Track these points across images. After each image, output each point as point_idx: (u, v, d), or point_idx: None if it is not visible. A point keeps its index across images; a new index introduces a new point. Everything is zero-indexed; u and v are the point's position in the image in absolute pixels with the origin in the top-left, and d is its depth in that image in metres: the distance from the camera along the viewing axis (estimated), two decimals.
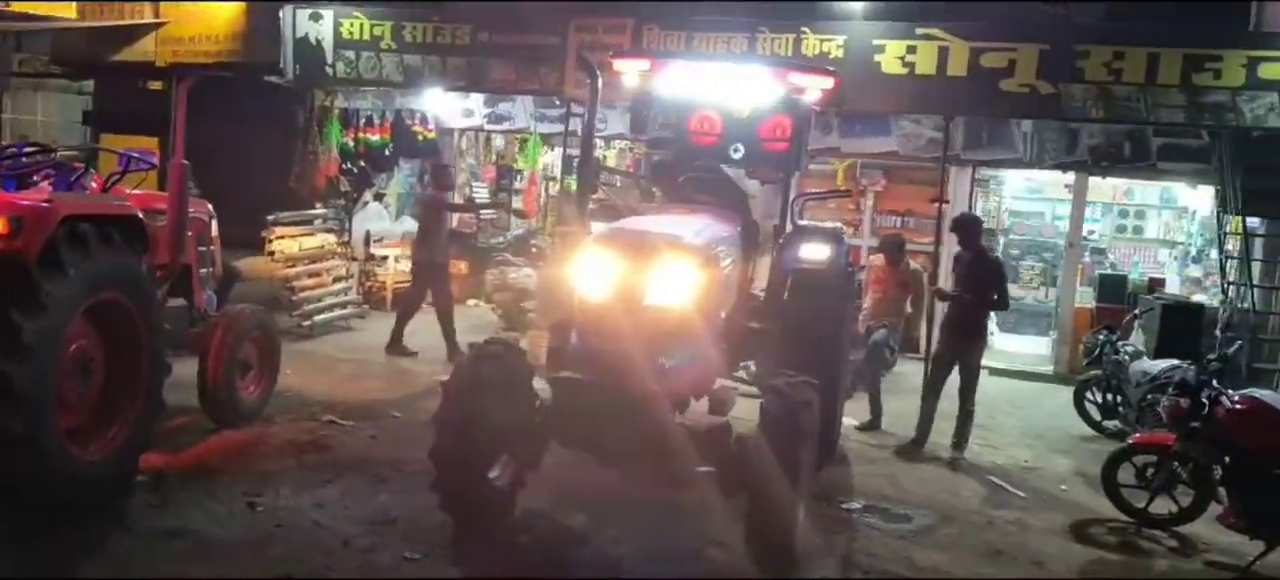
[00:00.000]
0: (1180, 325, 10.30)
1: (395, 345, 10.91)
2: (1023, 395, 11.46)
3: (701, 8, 11.26)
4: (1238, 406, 6.39)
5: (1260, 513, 6.25)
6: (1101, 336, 9.79)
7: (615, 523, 6.23)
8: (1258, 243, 11.40)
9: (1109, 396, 9.59)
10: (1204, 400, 6.53)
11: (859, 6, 10.73)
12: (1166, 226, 16.68)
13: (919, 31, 10.39)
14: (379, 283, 13.83)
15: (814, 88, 7.30)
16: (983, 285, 8.46)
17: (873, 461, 8.23)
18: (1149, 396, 8.49)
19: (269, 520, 5.94)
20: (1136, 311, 10.55)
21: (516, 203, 17.29)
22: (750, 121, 7.70)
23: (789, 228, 7.45)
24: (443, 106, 14.72)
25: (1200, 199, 15.43)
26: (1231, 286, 10.98)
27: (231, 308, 8.00)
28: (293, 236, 12.08)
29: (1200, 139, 12.02)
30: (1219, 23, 9.93)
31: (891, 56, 10.49)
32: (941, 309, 8.94)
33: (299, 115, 13.90)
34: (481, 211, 15.29)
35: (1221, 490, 6.70)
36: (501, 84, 12.28)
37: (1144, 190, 15.95)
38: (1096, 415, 9.77)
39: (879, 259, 10.21)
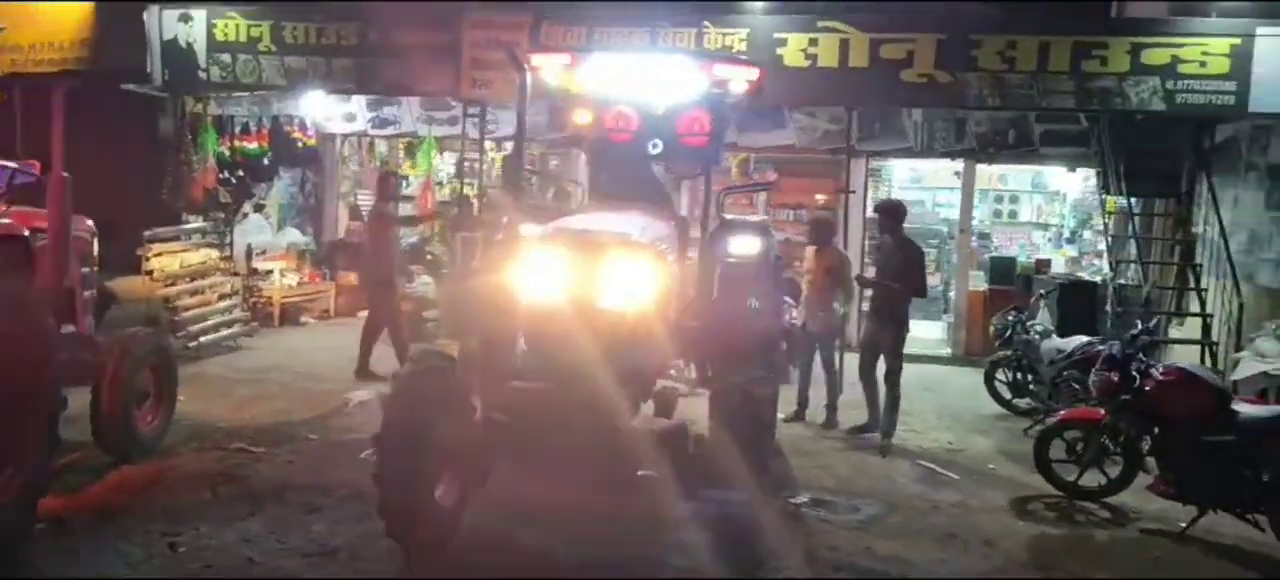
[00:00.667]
0: (1078, 303, 10.70)
1: (363, 372, 10.23)
2: (930, 378, 11.70)
3: (599, 5, 11.06)
4: (1165, 378, 6.61)
5: (1191, 480, 6.47)
6: (1011, 317, 10.07)
7: (570, 535, 5.95)
8: (1137, 221, 12.01)
9: (1019, 375, 9.87)
10: (1134, 373, 6.72)
11: (760, 4, 10.73)
12: (1039, 210, 17.40)
13: (820, 24, 10.47)
14: (265, 298, 13.08)
15: (739, 79, 7.19)
16: (905, 272, 8.55)
17: (807, 453, 8.19)
18: (1064, 373, 8.75)
19: (194, 561, 5.43)
20: (1042, 291, 10.89)
21: (408, 209, 16.71)
22: (667, 116, 7.54)
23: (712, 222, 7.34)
24: (323, 111, 14.06)
25: (1071, 183, 16.19)
26: (1120, 264, 11.47)
27: (125, 332, 7.35)
28: (172, 253, 11.27)
29: (1079, 125, 12.58)
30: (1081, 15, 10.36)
31: (794, 49, 10.54)
32: (865, 296, 9.01)
33: (160, 123, 13.03)
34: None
35: (1149, 461, 6.92)
36: (392, 86, 11.80)
37: (1016, 176, 16.59)
38: (1007, 394, 10.04)
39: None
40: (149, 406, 7.32)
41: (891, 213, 8.94)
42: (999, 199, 17.40)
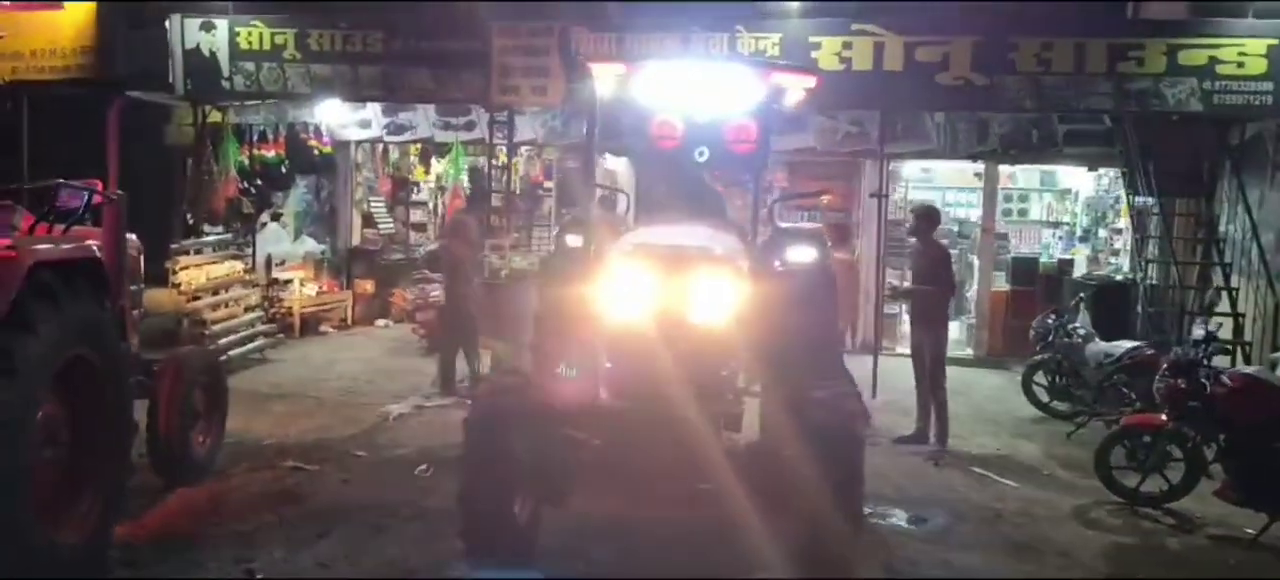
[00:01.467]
0: (1111, 304, 10.70)
1: (449, 385, 10.03)
2: (957, 381, 11.58)
3: (629, 9, 10.97)
4: (1235, 385, 6.60)
5: (1259, 487, 6.46)
6: (1051, 320, 10.06)
7: (645, 549, 5.89)
8: (1157, 220, 12.03)
9: (1058, 379, 9.86)
10: (1202, 380, 6.71)
11: (795, 5, 10.67)
12: (1049, 208, 17.45)
13: (854, 27, 10.42)
14: (285, 308, 12.94)
15: (796, 88, 7.14)
16: (933, 274, 8.61)
17: None
18: (1114, 377, 8.74)
19: None
20: (1082, 294, 10.89)
21: (419, 216, 16.60)
22: (714, 124, 7.49)
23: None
24: (337, 117, 13.92)
25: (1084, 180, 16.24)
26: (1150, 264, 11.50)
27: (178, 351, 7.23)
28: (198, 265, 11.13)
29: (1104, 124, 12.59)
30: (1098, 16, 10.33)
31: (828, 53, 10.47)
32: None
33: (167, 131, 12.86)
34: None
35: (1213, 468, 6.91)
36: (419, 93, 11.67)
37: (1026, 174, 16.62)
38: (1045, 397, 10.04)
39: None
40: (201, 427, 7.20)
41: (928, 217, 8.94)
42: (1007, 197, 17.44)
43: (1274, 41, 9.61)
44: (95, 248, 5.44)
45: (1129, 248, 13.41)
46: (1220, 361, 7.60)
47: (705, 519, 5.70)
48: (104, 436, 5.28)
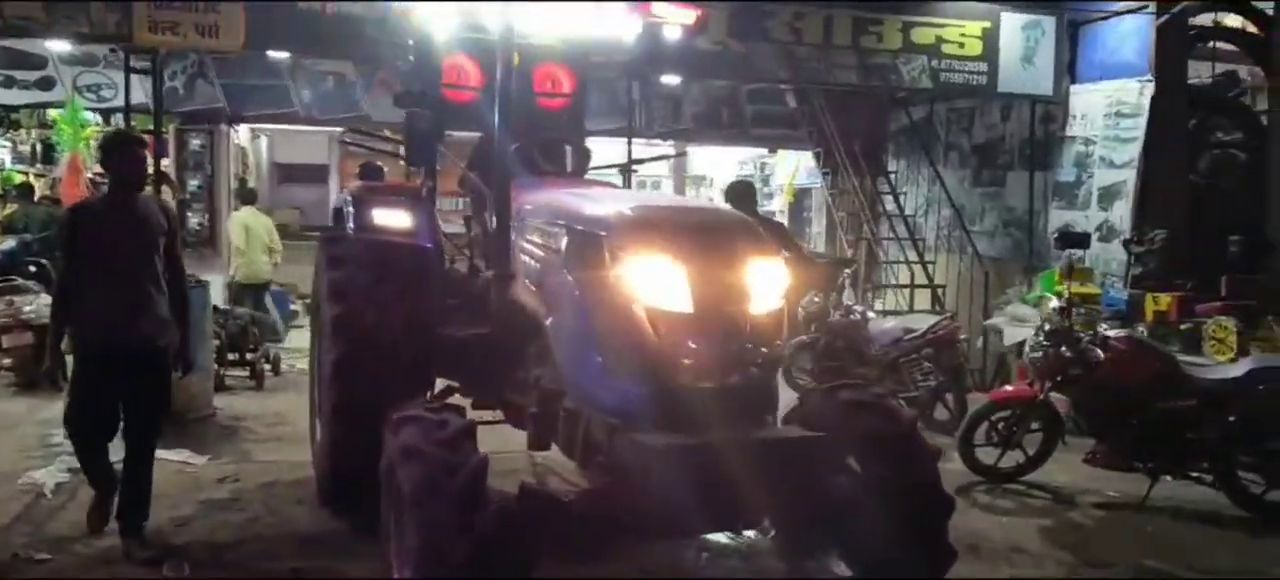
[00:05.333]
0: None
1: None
2: None
3: None
4: (1122, 348, 6.53)
5: (1144, 448, 6.45)
6: (817, 299, 9.67)
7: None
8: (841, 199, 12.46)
9: (830, 360, 9.51)
10: (1085, 346, 6.55)
11: None
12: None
13: None
14: None
15: (674, 21, 5.83)
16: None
17: None
18: (912, 356, 8.54)
19: None
20: (847, 272, 10.68)
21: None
22: (518, 71, 6.00)
23: None
24: None
25: (721, 168, 16.60)
26: (860, 242, 11.79)
27: None
28: None
29: (786, 106, 12.74)
30: None
31: None
32: None
33: None
34: None
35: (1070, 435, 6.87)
36: (21, 25, 8.22)
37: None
38: (805, 380, 9.65)
39: None
40: None
41: (744, 195, 8.09)
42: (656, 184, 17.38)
43: (988, 24, 10.14)
44: None
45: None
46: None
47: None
48: None
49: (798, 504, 3.75)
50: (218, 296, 9.90)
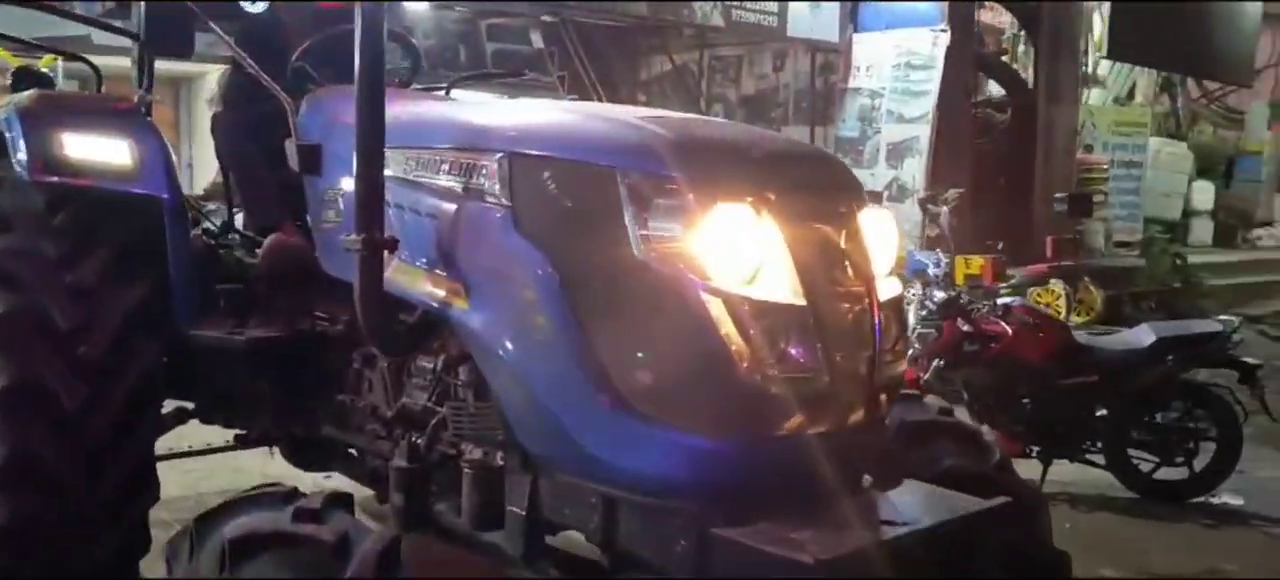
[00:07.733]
0: None
1: None
2: None
3: None
4: (1025, 319, 5.70)
5: (1040, 428, 5.70)
6: None
7: None
8: None
9: None
10: (987, 321, 5.66)
11: None
12: None
13: None
14: None
15: None
16: None
17: None
18: None
19: None
20: None
21: None
22: None
23: None
24: None
25: None
26: None
27: None
28: None
29: (530, 46, 11.19)
30: None
31: None
32: None
33: None
34: None
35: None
36: None
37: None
38: None
39: None
40: None
41: None
42: None
43: None
44: None
45: None
46: None
47: None
48: None
49: None
50: None
